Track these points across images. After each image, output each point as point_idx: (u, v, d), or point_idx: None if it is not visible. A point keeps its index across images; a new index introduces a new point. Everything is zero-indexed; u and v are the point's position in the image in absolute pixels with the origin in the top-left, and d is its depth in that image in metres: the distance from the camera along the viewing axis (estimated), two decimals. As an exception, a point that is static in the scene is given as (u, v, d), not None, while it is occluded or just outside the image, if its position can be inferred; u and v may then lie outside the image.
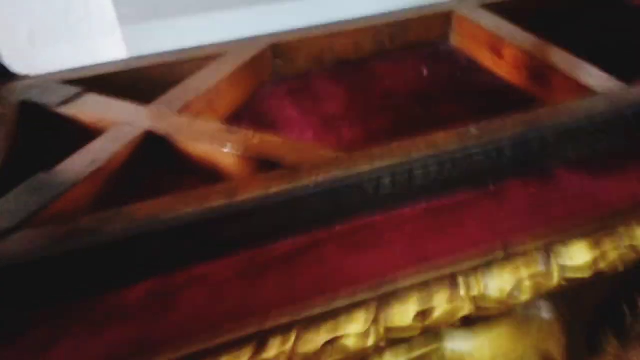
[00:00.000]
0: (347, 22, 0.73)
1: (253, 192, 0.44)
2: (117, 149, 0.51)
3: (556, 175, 0.51)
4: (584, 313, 0.57)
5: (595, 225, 0.47)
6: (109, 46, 0.90)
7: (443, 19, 0.74)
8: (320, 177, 0.45)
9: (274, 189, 0.44)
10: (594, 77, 0.57)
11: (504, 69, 0.67)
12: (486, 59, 0.70)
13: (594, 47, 0.65)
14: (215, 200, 0.43)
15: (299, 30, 0.72)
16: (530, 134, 0.50)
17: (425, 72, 0.70)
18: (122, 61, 0.67)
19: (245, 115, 0.65)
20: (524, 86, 0.64)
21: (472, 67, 0.71)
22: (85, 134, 0.56)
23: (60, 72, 0.66)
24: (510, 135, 0.49)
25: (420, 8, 0.75)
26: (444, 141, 0.49)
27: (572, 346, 0.59)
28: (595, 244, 0.46)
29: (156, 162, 0.54)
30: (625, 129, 0.52)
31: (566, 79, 0.58)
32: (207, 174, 0.53)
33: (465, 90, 0.66)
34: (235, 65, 0.65)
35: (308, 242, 0.46)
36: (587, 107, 0.52)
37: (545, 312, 0.54)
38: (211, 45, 0.69)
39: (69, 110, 0.58)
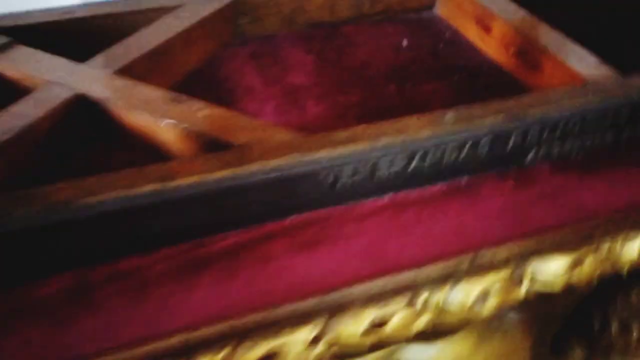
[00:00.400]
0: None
1: (191, 176, 0.38)
2: (40, 114, 0.44)
3: (538, 174, 0.46)
4: (551, 320, 0.53)
5: (576, 236, 0.43)
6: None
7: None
8: (271, 163, 0.39)
9: (217, 174, 0.38)
10: (588, 64, 0.51)
11: (490, 46, 0.61)
12: (472, 33, 0.63)
13: (594, 29, 0.60)
14: (146, 184, 0.37)
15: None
16: (512, 126, 0.44)
17: (404, 43, 0.64)
18: (63, 9, 0.58)
19: (199, 80, 0.58)
20: (511, 67, 0.58)
21: (457, 41, 0.64)
22: (10, 92, 0.49)
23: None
24: (489, 125, 0.44)
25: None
26: (415, 127, 0.43)
27: (536, 351, 0.55)
28: (575, 258, 0.42)
29: (88, 131, 0.47)
30: (618, 125, 0.47)
31: (557, 63, 0.52)
32: (145, 149, 0.46)
33: (446, 68, 0.60)
34: (191, 21, 0.58)
35: (253, 237, 0.40)
36: (577, 97, 0.46)
37: (510, 319, 0.51)
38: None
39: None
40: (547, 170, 0.46)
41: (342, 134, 0.42)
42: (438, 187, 0.44)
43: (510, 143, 0.45)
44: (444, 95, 0.56)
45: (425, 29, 0.67)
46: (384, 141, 0.42)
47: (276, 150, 0.40)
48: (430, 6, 0.69)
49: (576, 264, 0.43)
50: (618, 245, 0.44)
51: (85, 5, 0.60)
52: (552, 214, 0.44)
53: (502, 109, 0.45)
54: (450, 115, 0.44)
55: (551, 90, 0.47)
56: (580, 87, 0.47)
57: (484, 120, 0.44)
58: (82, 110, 0.46)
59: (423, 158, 0.43)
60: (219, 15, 0.61)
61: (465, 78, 0.59)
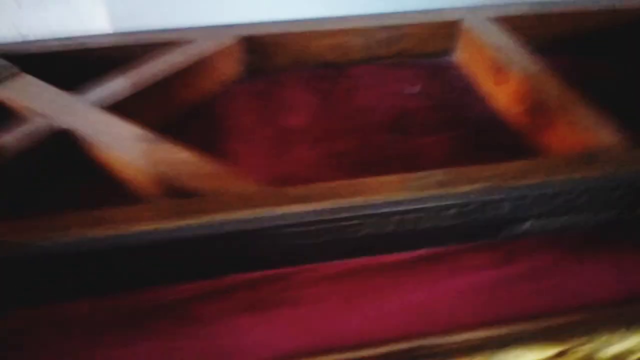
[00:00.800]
0: (335, 20, 0.64)
1: (140, 224, 0.36)
2: (21, 147, 0.45)
3: (528, 250, 0.41)
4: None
5: (565, 325, 0.38)
6: (96, 14, 0.84)
7: (448, 30, 0.64)
8: (226, 216, 0.37)
9: (166, 224, 0.37)
10: (602, 130, 0.46)
11: (503, 99, 0.57)
12: (487, 84, 0.59)
13: (622, 89, 0.54)
14: (94, 229, 0.36)
15: (279, 23, 0.63)
16: (500, 195, 0.40)
17: (414, 90, 0.61)
18: (76, 39, 0.60)
19: (197, 116, 0.57)
20: (522, 125, 0.54)
21: (471, 90, 0.61)
22: (11, 120, 0.50)
23: (12, 43, 0.60)
24: (473, 192, 0.40)
25: (425, 13, 0.65)
26: (391, 188, 0.40)
27: None
28: (560, 350, 0.37)
29: (68, 164, 0.47)
30: (625, 203, 0.41)
31: (568, 125, 0.47)
32: (118, 186, 0.46)
33: (454, 120, 0.56)
34: (194, 58, 0.58)
35: (202, 292, 0.38)
36: (580, 168, 0.41)
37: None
38: (175, 30, 0.62)
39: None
40: (539, 246, 0.42)
41: (308, 189, 0.39)
42: (411, 254, 0.41)
43: (497, 213, 0.41)
44: (444, 149, 0.52)
45: (441, 76, 0.63)
46: (352, 201, 0.39)
47: (234, 203, 0.38)
48: (449, 51, 0.65)
49: (561, 357, 0.38)
50: (615, 340, 0.39)
51: (93, 36, 0.61)
52: (539, 297, 0.39)
53: (492, 174, 0.41)
54: (432, 177, 0.41)
55: (552, 158, 0.42)
56: (586, 157, 0.43)
57: (469, 186, 0.40)
58: (63, 145, 0.47)
59: (396, 222, 0.40)
60: (225, 53, 0.60)
61: (472, 132, 0.55)
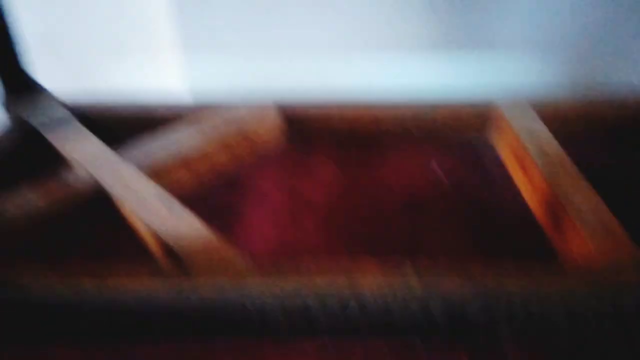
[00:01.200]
0: (373, 100, 0.67)
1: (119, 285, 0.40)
2: (58, 195, 0.52)
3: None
4: None
5: None
6: (169, 71, 0.92)
7: (484, 115, 0.64)
8: (201, 284, 0.40)
9: (141, 285, 0.40)
10: (610, 239, 0.43)
11: (528, 191, 0.55)
12: (513, 170, 0.58)
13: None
14: (78, 282, 0.41)
15: (317, 103, 0.67)
16: (475, 297, 0.39)
17: (438, 172, 0.60)
18: (142, 105, 0.68)
19: (228, 181, 0.62)
20: (540, 219, 0.51)
21: (496, 174, 0.59)
22: (61, 166, 0.57)
23: (80, 101, 0.69)
24: (447, 289, 0.39)
25: (463, 99, 0.65)
26: (364, 272, 0.41)
27: None
28: None
29: (100, 216, 0.53)
30: (619, 326, 0.38)
31: (576, 232, 0.45)
32: (138, 242, 0.50)
33: (474, 207, 0.55)
34: (234, 127, 0.63)
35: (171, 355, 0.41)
36: (567, 284, 0.39)
37: None
38: (218, 103, 0.67)
39: (56, 140, 0.60)
40: (518, 357, 0.39)
41: (285, 271, 0.41)
42: (378, 346, 0.41)
43: (470, 316, 0.39)
44: (455, 238, 0.52)
45: (470, 156, 0.63)
46: (319, 281, 0.40)
47: (218, 276, 0.41)
48: (485, 136, 0.65)
49: None
50: None
51: (154, 103, 0.69)
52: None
53: (473, 274, 0.40)
54: (408, 267, 0.41)
55: (546, 269, 0.40)
56: (577, 271, 0.40)
57: (445, 283, 0.40)
58: (96, 198, 0.53)
59: (362, 308, 0.40)
60: (262, 124, 0.65)
61: (488, 222, 0.53)
